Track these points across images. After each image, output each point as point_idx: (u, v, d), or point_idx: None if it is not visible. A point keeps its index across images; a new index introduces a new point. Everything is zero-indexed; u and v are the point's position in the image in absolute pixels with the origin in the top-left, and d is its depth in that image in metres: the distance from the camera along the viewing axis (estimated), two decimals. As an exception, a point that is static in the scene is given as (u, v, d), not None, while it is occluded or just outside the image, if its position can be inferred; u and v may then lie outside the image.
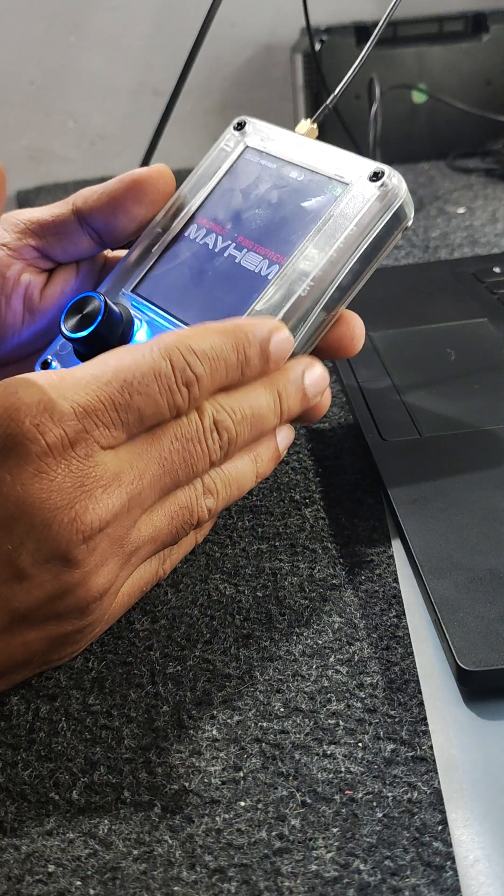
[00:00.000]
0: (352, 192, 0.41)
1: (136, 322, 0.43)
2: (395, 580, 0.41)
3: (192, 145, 1.21)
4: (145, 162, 0.69)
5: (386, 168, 0.40)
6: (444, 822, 0.30)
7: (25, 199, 1.17)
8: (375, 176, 0.40)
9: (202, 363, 0.36)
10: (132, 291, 0.45)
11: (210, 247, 0.44)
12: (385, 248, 0.41)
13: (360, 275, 0.40)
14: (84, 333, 0.40)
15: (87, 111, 1.22)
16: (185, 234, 0.45)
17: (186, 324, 0.42)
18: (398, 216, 0.40)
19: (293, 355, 0.40)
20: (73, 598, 0.34)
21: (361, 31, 1.02)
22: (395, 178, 0.40)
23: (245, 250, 0.42)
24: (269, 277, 0.41)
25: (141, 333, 0.43)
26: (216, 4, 0.65)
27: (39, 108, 1.22)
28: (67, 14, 1.17)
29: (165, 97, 0.67)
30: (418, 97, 1.04)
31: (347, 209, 0.40)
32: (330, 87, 0.95)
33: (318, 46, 0.99)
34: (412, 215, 0.41)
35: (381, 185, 0.40)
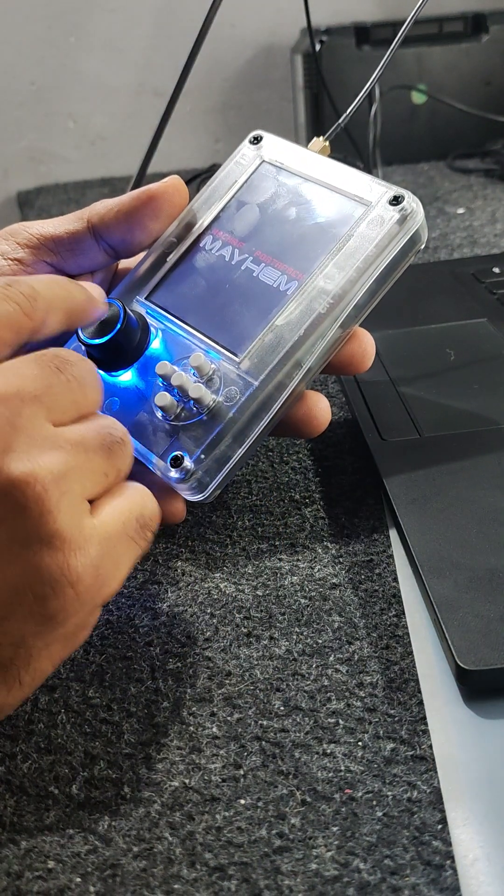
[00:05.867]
0: (372, 214, 0.41)
1: (152, 331, 0.43)
2: (395, 580, 0.41)
3: (193, 146, 1.22)
4: (145, 163, 0.69)
5: (406, 193, 0.41)
6: (443, 821, 0.30)
7: (26, 199, 1.17)
8: (395, 200, 0.41)
9: (19, 278, 0.36)
10: (146, 299, 0.45)
11: (226, 259, 0.44)
12: (400, 269, 0.42)
13: (375, 294, 0.41)
14: (102, 340, 0.40)
15: (88, 112, 1.23)
16: (201, 245, 0.45)
17: (203, 333, 0.42)
18: (414, 240, 0.41)
19: (309, 371, 0.40)
20: None
21: (361, 32, 1.02)
22: (414, 203, 0.41)
23: (263, 265, 0.43)
24: (289, 293, 0.41)
25: (156, 342, 0.43)
26: (216, 5, 0.65)
27: (40, 109, 1.22)
28: (68, 15, 1.17)
29: (165, 98, 0.67)
30: (418, 98, 1.04)
31: (367, 231, 0.41)
32: (330, 88, 0.95)
33: (317, 47, 0.99)
34: (426, 238, 0.42)
35: (401, 209, 0.41)
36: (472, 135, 1.05)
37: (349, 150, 0.93)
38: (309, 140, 0.48)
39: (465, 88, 1.05)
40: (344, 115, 0.49)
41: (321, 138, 0.47)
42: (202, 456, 0.40)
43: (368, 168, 0.94)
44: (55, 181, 1.22)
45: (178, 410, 0.41)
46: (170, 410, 0.41)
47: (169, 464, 0.40)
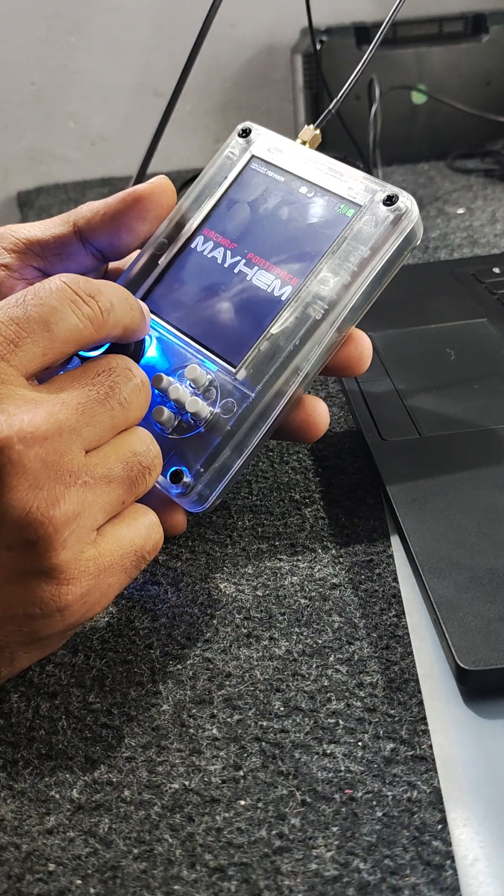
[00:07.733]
0: (365, 215, 0.41)
1: (147, 338, 0.42)
2: (395, 580, 0.41)
3: (193, 146, 1.22)
4: (145, 163, 0.69)
5: (399, 192, 0.41)
6: (443, 821, 0.30)
7: (26, 199, 1.17)
8: (389, 200, 0.41)
9: (102, 287, 0.36)
10: None
11: (219, 261, 0.43)
12: (395, 268, 0.41)
13: (371, 295, 0.41)
14: (99, 352, 0.40)
15: (88, 112, 1.23)
16: (192, 246, 0.44)
17: (198, 342, 0.42)
18: (409, 238, 0.41)
19: (307, 376, 0.40)
20: (12, 516, 0.32)
21: (361, 32, 1.02)
22: (408, 202, 0.40)
23: (256, 268, 0.42)
24: (283, 299, 0.41)
25: (151, 350, 0.43)
26: (216, 5, 0.65)
27: (40, 109, 1.22)
28: (68, 15, 1.17)
29: (165, 98, 0.67)
30: (418, 98, 1.04)
31: (361, 232, 0.41)
32: (330, 88, 0.95)
33: (317, 47, 0.99)
34: (421, 234, 0.42)
35: (395, 209, 0.40)
36: (472, 135, 1.05)
37: (350, 150, 0.93)
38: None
39: (465, 88, 1.05)
40: (334, 101, 0.48)
41: (311, 126, 0.46)
42: (201, 469, 0.40)
43: (368, 168, 0.94)
44: (55, 181, 1.22)
45: (176, 423, 0.41)
46: (167, 424, 0.41)
47: (168, 479, 0.40)
